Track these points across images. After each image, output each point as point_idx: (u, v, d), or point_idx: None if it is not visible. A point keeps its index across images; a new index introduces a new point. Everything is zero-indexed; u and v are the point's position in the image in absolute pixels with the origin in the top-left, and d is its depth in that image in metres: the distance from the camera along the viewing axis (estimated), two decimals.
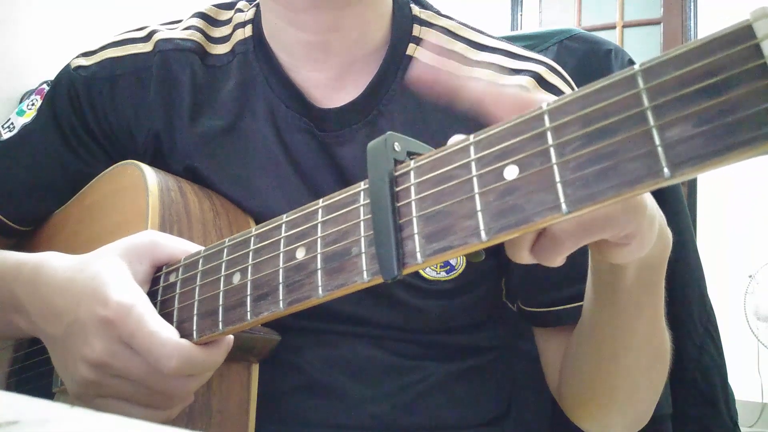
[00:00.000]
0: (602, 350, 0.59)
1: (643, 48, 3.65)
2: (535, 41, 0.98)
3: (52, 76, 0.76)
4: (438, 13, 0.73)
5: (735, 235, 3.00)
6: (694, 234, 0.96)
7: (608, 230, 0.41)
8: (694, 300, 0.91)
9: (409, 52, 0.69)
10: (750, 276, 2.97)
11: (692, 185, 1.08)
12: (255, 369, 0.62)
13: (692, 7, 3.53)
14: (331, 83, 0.68)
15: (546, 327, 0.70)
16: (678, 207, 0.90)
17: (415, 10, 0.72)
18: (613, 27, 3.74)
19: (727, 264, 2.84)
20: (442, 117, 0.66)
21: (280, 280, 0.44)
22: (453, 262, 0.66)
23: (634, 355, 0.58)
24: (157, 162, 0.69)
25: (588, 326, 0.60)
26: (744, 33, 0.28)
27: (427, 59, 0.69)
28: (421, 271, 0.65)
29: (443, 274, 0.66)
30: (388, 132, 0.41)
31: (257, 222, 0.66)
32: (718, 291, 1.12)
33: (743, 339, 2.94)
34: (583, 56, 0.95)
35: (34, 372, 0.71)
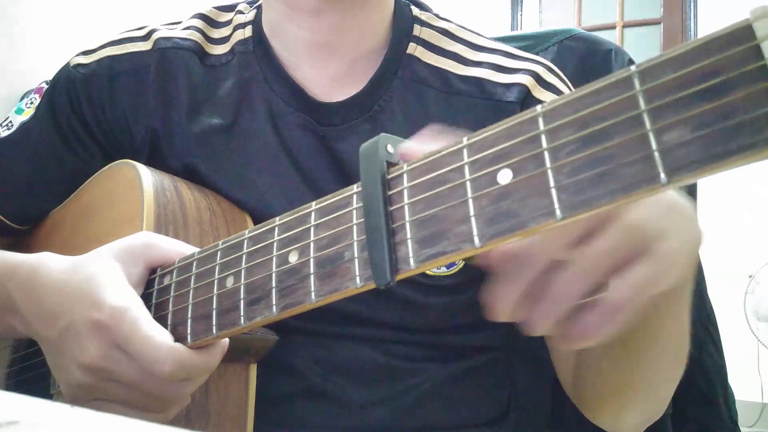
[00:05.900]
0: (624, 349, 0.57)
1: (643, 48, 3.64)
2: (535, 41, 0.98)
3: (52, 76, 0.76)
4: (437, 15, 0.75)
5: (735, 235, 2.99)
6: None
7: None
8: (693, 300, 0.90)
9: (409, 51, 0.70)
10: (750, 276, 2.97)
11: (692, 185, 1.08)
12: (253, 369, 0.61)
13: (692, 7, 3.53)
14: (332, 81, 0.69)
15: None
16: None
17: (415, 11, 0.73)
18: (613, 27, 3.73)
19: (727, 264, 2.83)
20: (443, 114, 0.67)
21: (273, 285, 0.43)
22: None
23: (659, 352, 0.56)
24: (155, 160, 0.69)
25: None
26: (744, 33, 0.27)
27: (427, 58, 0.70)
28: None
29: (443, 269, 0.65)
30: (381, 134, 0.41)
31: (255, 220, 0.66)
32: (718, 291, 1.11)
33: (743, 339, 2.93)
34: (583, 56, 0.94)
35: (33, 373, 0.70)
